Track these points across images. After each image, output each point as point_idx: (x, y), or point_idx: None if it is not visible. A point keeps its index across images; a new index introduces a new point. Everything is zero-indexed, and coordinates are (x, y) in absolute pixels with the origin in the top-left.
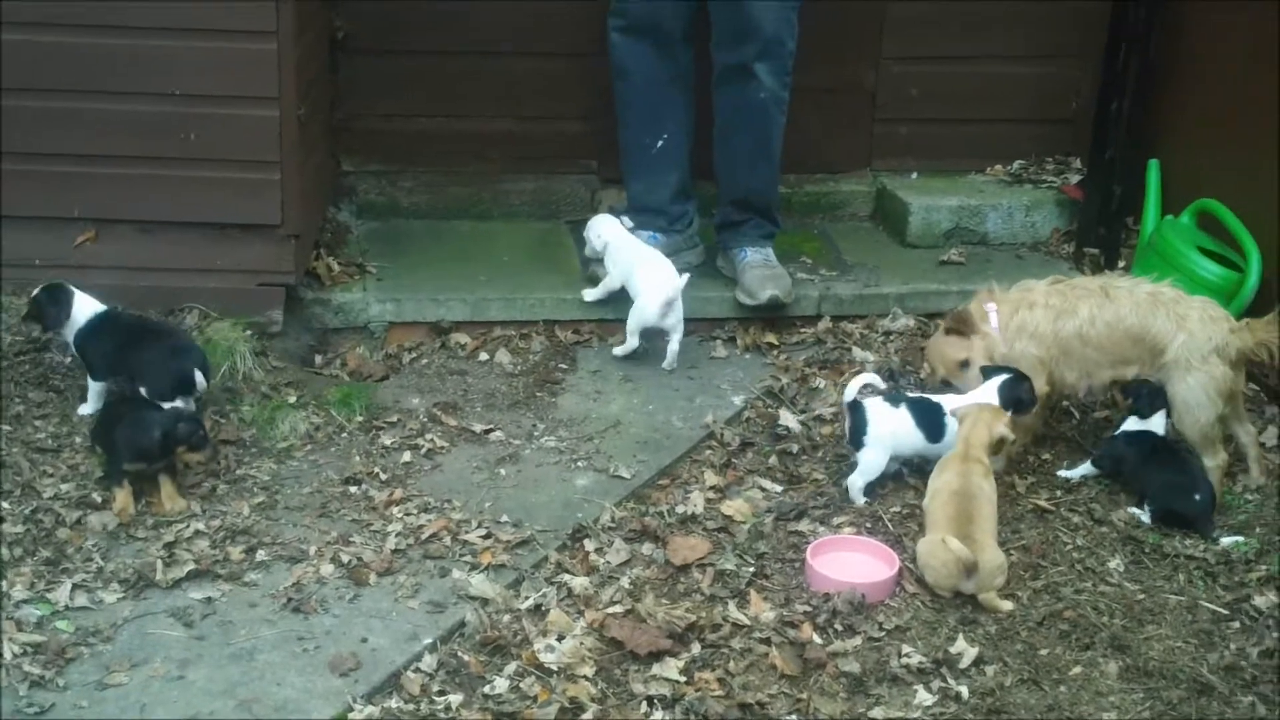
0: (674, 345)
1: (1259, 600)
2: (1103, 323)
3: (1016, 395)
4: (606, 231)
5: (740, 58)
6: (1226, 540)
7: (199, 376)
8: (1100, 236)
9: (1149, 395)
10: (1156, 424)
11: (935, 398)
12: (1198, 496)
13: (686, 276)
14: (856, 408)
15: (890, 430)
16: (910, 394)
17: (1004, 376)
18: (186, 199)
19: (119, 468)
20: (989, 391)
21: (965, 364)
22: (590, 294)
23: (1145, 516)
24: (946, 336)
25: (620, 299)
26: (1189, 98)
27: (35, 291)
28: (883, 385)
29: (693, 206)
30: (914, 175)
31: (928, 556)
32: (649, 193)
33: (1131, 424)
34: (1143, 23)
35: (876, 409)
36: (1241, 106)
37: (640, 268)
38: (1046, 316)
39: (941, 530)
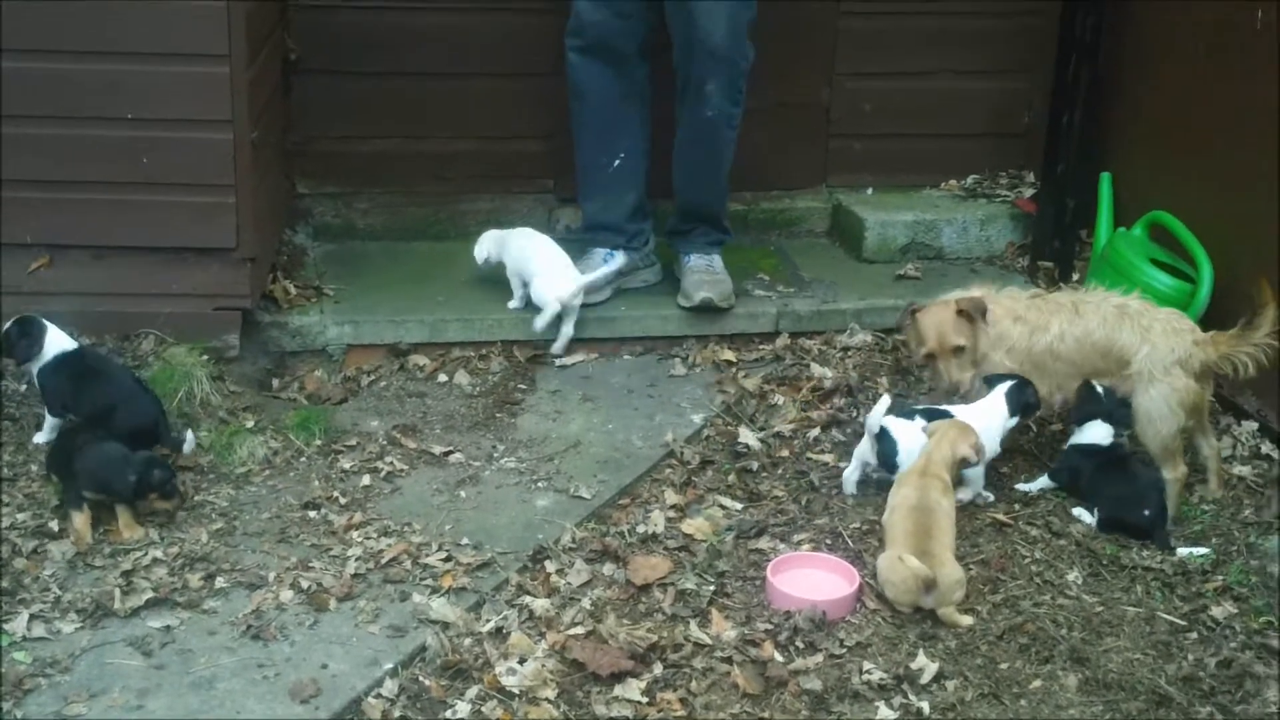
0: (567, 329)
1: (1216, 611)
2: (1072, 338)
3: (1025, 400)
4: (489, 243)
5: (693, 75)
6: (1184, 550)
7: (189, 437)
8: (1054, 249)
9: (1076, 407)
10: (1098, 434)
11: (944, 406)
12: (1147, 511)
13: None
14: (884, 434)
15: (918, 445)
16: (918, 405)
17: (1010, 383)
18: (141, 223)
19: (77, 494)
20: (997, 399)
21: (959, 349)
22: (535, 320)
23: (1089, 519)
24: (956, 317)
25: (589, 319)
26: (1139, 111)
27: (7, 325)
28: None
29: (649, 225)
30: (869, 191)
31: (887, 572)
32: (605, 211)
33: (1085, 435)
34: (1091, 37)
35: (900, 429)
36: (1191, 119)
37: (537, 278)
38: (1023, 332)
39: (899, 546)
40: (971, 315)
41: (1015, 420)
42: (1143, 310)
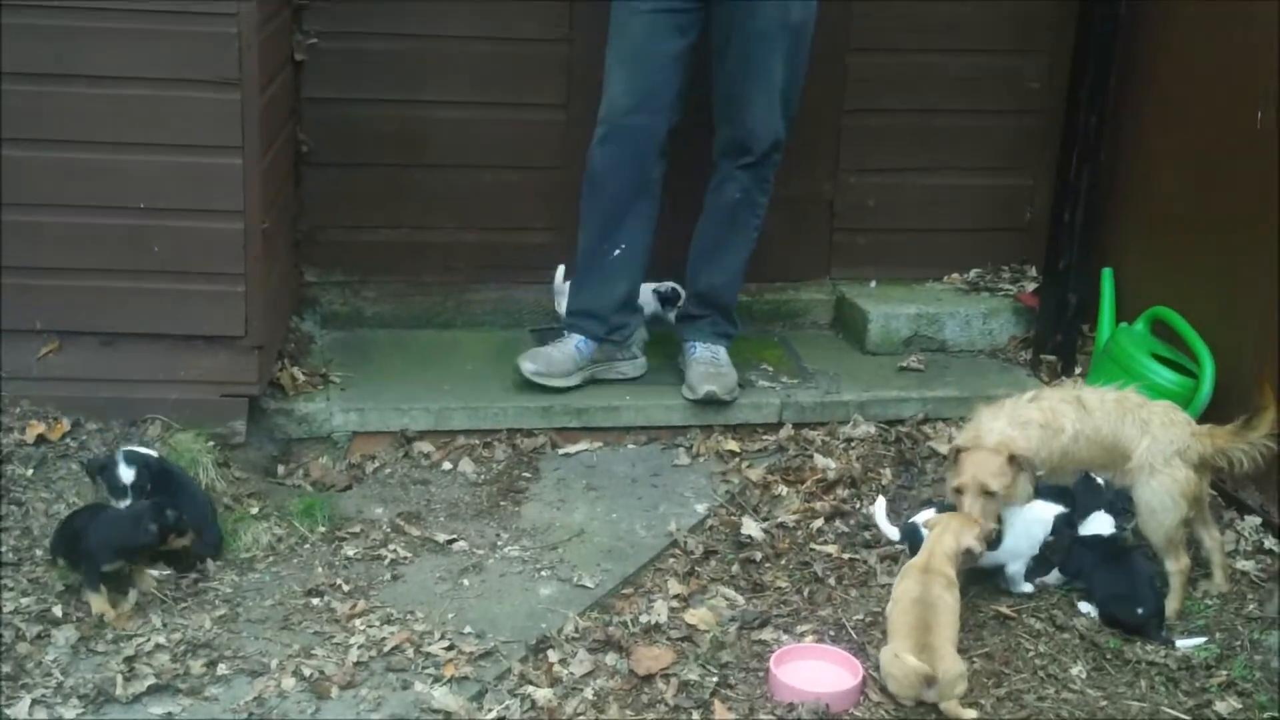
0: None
1: (1220, 706)
2: (1084, 437)
3: (1065, 526)
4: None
5: (733, 163)
6: (1185, 643)
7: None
8: (1057, 343)
9: (1078, 500)
10: (1100, 525)
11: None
12: (1140, 610)
13: None
14: (913, 530)
15: None
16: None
17: (1063, 511)
18: (150, 311)
19: (94, 573)
20: (1047, 514)
21: (991, 494)
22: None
23: (1093, 612)
24: (1005, 463)
25: (593, 409)
26: (1141, 208)
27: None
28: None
29: (637, 320)
30: (873, 284)
31: (888, 666)
32: (595, 299)
33: (1088, 527)
34: (1094, 135)
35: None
36: (1192, 217)
37: None
38: (1043, 437)
39: (901, 639)
40: (1022, 465)
41: (1050, 539)
42: (1141, 403)
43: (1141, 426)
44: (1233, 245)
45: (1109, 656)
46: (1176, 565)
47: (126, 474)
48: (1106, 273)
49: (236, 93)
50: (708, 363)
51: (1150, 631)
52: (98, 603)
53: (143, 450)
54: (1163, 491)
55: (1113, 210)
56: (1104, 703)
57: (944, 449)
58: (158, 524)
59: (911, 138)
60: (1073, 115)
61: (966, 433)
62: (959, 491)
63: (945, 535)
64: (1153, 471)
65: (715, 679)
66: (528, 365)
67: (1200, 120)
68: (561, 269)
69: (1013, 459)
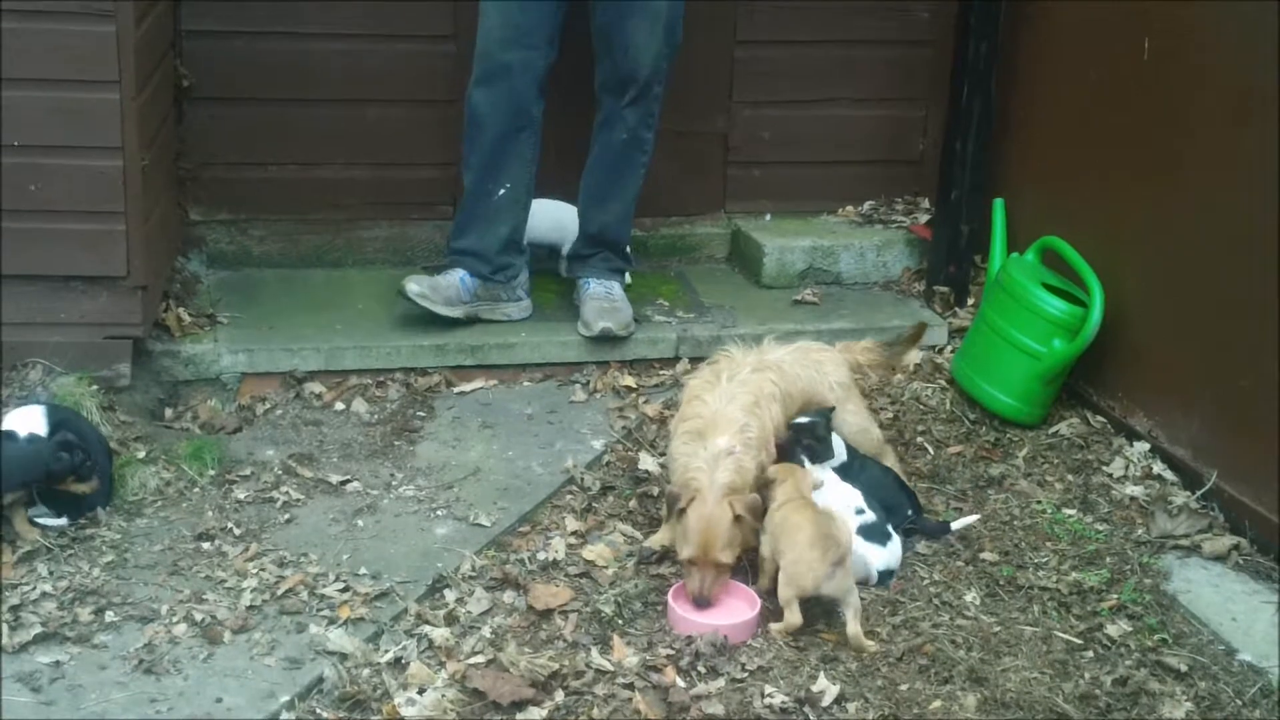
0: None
1: (1111, 629)
2: (788, 395)
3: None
4: None
5: (616, 101)
6: (959, 523)
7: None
8: (949, 275)
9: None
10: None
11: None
12: (910, 512)
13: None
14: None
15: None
16: None
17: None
18: (28, 252)
19: None
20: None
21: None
22: None
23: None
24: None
25: (488, 346)
26: (1031, 139)
27: None
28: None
29: (521, 261)
30: (768, 217)
31: (795, 566)
32: (479, 239)
33: None
34: (984, 66)
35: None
36: (1082, 148)
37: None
38: (759, 420)
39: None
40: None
41: None
42: (813, 349)
43: (820, 370)
44: (1119, 174)
45: (1002, 583)
46: (894, 459)
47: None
48: (998, 203)
49: (111, 24)
50: (602, 298)
51: (925, 526)
52: None
53: (30, 409)
54: (859, 414)
55: (1004, 141)
56: (998, 628)
57: None
58: (69, 455)
59: (805, 69)
60: (963, 44)
61: (682, 454)
62: (692, 564)
63: (802, 479)
64: (843, 404)
65: (614, 614)
66: (412, 286)
67: (1089, 50)
68: None
69: (739, 518)
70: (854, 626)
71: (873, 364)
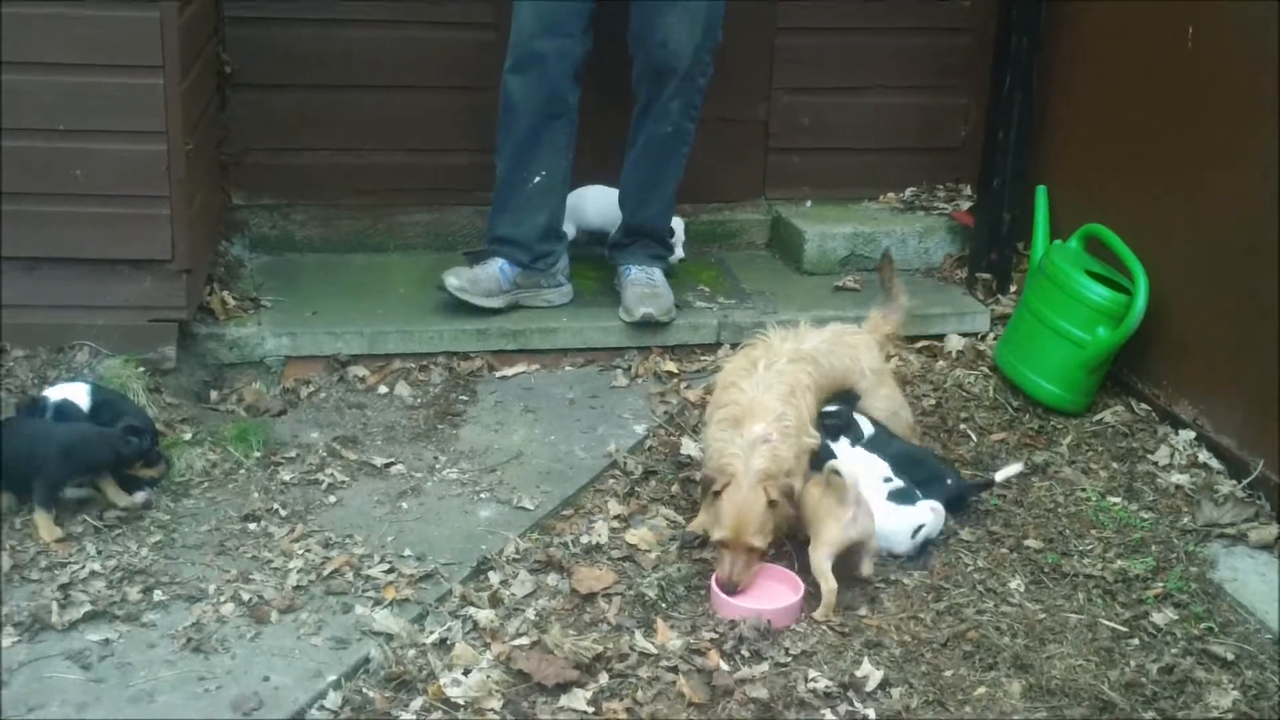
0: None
1: (1156, 617)
2: (821, 388)
3: None
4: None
5: (656, 92)
6: (1001, 473)
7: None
8: (992, 262)
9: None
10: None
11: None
12: (949, 481)
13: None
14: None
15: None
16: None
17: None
18: (74, 235)
19: (52, 487)
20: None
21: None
22: None
23: None
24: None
25: (530, 331)
26: (1074, 126)
27: None
28: None
29: (561, 247)
30: (808, 204)
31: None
32: (516, 226)
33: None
34: (1025, 53)
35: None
36: (1124, 134)
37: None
38: (795, 410)
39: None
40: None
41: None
42: (846, 332)
43: (854, 357)
44: (1165, 161)
45: (1046, 570)
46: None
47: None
48: (1041, 190)
49: (156, 10)
50: (643, 284)
51: (965, 490)
52: (46, 523)
53: (74, 385)
54: (892, 398)
55: (1046, 128)
56: (1042, 615)
57: None
58: (138, 440)
59: (846, 56)
60: (1005, 32)
61: (719, 439)
62: (724, 546)
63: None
64: (876, 389)
65: (657, 598)
66: (452, 280)
67: (1133, 36)
68: None
69: (773, 503)
70: (868, 569)
71: (895, 328)
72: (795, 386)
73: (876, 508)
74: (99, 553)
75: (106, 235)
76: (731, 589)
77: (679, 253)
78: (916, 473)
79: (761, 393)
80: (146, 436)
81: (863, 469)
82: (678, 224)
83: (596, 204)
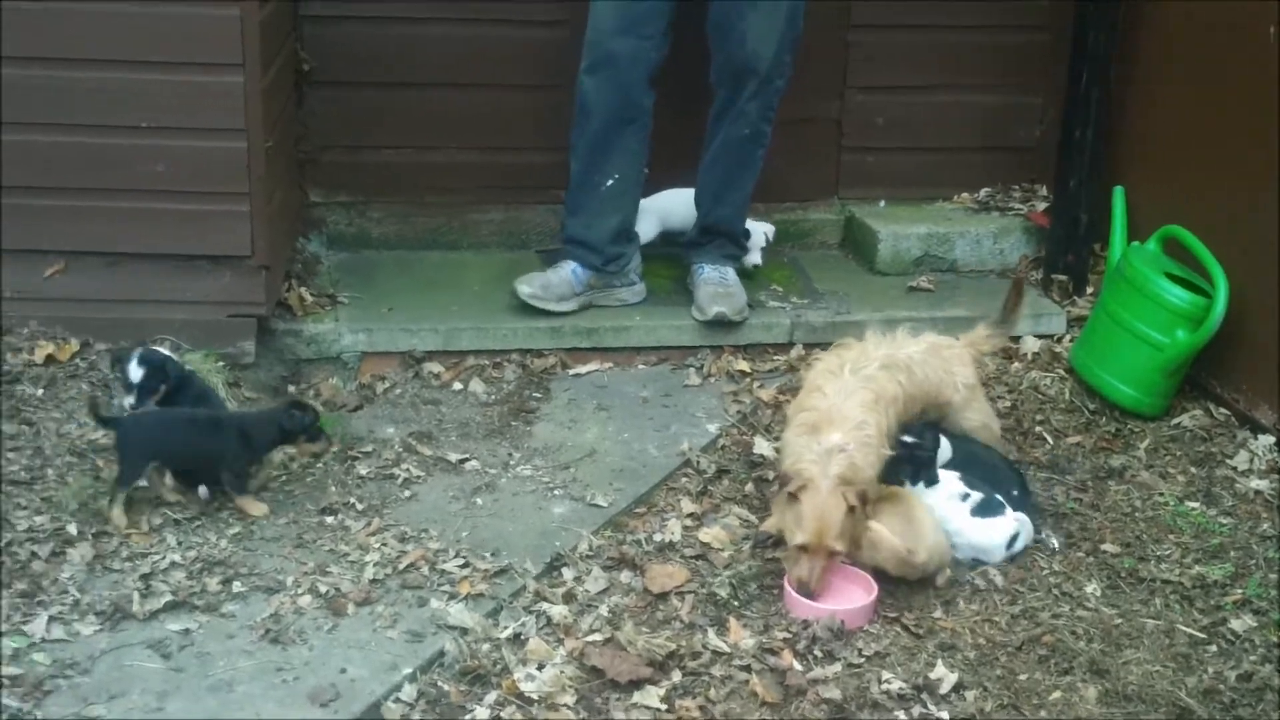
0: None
1: (1235, 624)
2: (911, 398)
3: None
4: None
5: (734, 94)
6: None
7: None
8: (1068, 263)
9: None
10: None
11: None
12: (1015, 491)
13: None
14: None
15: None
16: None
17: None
18: (156, 231)
19: (241, 473)
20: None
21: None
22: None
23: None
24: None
25: (603, 329)
26: (1152, 125)
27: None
28: None
29: (632, 249)
30: (882, 204)
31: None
32: (588, 229)
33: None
34: (1103, 51)
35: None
36: (1205, 134)
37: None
38: (879, 419)
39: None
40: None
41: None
42: (943, 345)
43: (948, 370)
44: (1245, 162)
45: (1123, 575)
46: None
47: (135, 373)
48: (1118, 191)
49: (236, 8)
50: (716, 283)
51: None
52: (252, 505)
53: (163, 352)
54: (982, 412)
55: (1124, 128)
56: (1119, 620)
57: None
58: (301, 413)
59: (920, 55)
60: (1082, 31)
61: (795, 445)
62: (803, 550)
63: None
64: (968, 403)
65: (730, 596)
66: (524, 288)
67: (1212, 35)
68: None
69: (852, 509)
70: (942, 580)
71: (996, 349)
72: (881, 395)
73: (963, 524)
74: (179, 544)
75: (187, 231)
76: (808, 593)
77: (756, 258)
78: (982, 474)
79: (843, 400)
80: (311, 413)
81: (937, 496)
82: (766, 229)
83: (682, 208)
